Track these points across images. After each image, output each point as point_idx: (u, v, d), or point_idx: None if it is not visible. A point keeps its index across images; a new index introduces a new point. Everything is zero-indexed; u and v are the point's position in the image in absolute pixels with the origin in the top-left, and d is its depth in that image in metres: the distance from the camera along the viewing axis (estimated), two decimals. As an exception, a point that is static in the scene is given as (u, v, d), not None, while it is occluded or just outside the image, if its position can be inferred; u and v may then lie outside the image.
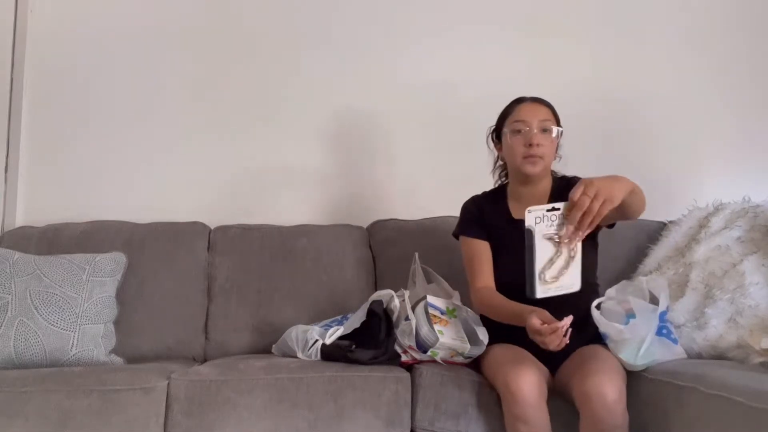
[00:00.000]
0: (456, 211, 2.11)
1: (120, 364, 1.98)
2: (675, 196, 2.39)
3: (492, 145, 1.92)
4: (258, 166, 2.58)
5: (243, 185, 2.56)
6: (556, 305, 1.55)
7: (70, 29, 2.59)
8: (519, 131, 1.76)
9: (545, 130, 1.75)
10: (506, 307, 1.67)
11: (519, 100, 1.83)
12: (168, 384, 1.67)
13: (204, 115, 2.59)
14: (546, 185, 1.83)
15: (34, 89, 2.53)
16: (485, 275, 1.79)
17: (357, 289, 2.24)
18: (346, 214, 2.51)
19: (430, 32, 2.67)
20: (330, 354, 1.80)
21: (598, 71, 2.70)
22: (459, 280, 1.94)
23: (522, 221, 1.43)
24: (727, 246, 1.94)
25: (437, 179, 2.61)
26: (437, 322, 1.74)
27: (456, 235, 1.90)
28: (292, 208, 2.54)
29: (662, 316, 1.72)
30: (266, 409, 1.64)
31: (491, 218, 1.83)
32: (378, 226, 2.43)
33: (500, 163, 1.94)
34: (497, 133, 1.88)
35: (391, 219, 2.44)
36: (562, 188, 1.77)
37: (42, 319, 1.92)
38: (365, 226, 2.46)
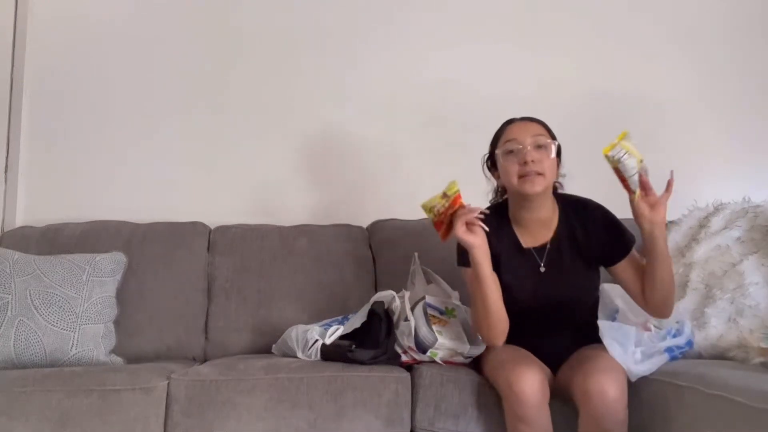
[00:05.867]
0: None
1: (120, 364, 1.98)
2: (675, 196, 2.36)
3: (489, 173, 1.81)
4: (258, 165, 2.58)
5: (243, 185, 2.56)
6: (557, 314, 1.67)
7: (70, 29, 2.59)
8: (511, 151, 1.65)
9: (540, 146, 1.64)
10: (474, 287, 1.64)
11: (509, 122, 1.73)
12: (168, 384, 1.67)
13: (204, 116, 2.59)
14: (551, 211, 1.71)
15: (34, 89, 2.54)
16: None
17: (357, 289, 2.24)
18: (346, 214, 2.51)
19: (431, 35, 2.68)
20: (330, 354, 1.80)
21: (598, 73, 2.70)
22: (458, 280, 1.93)
23: (531, 250, 1.69)
24: (727, 246, 1.94)
25: (437, 179, 2.59)
26: (436, 323, 1.75)
27: (459, 264, 1.75)
28: (292, 208, 2.55)
29: (690, 344, 1.73)
30: (266, 409, 1.64)
31: (498, 245, 1.68)
32: (378, 226, 2.43)
33: (500, 191, 1.84)
34: (492, 160, 1.76)
35: (391, 219, 2.44)
36: (570, 214, 1.70)
37: (42, 319, 1.92)
38: (365, 226, 2.46)
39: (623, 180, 1.53)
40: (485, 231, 1.58)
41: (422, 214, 2.40)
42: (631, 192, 1.53)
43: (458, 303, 1.85)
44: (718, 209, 2.08)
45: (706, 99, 2.72)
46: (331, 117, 2.62)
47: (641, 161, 1.51)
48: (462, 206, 1.59)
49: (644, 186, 1.52)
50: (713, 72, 2.74)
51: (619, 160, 1.50)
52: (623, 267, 1.66)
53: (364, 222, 2.47)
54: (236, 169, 2.57)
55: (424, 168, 2.62)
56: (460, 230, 1.56)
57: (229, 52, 2.62)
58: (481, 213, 1.56)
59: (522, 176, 1.62)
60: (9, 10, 2.52)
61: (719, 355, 1.76)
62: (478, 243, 1.57)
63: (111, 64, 2.58)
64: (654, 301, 1.61)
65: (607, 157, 1.51)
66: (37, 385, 1.64)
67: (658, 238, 1.53)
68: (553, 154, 1.65)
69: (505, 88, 2.63)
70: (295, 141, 2.61)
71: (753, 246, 1.91)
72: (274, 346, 2.04)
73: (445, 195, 1.59)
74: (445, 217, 1.60)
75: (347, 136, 2.62)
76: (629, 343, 1.63)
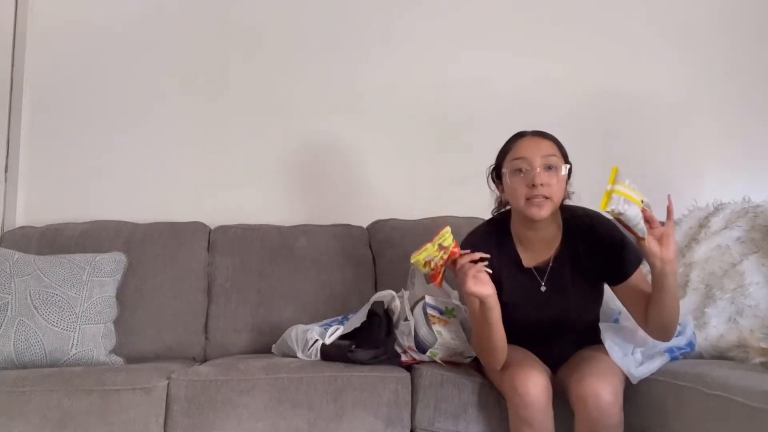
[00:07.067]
0: (456, 211, 2.11)
1: (120, 364, 1.98)
2: (675, 196, 2.35)
3: (493, 185, 1.72)
4: (258, 165, 2.58)
5: (243, 185, 2.56)
6: (557, 329, 1.66)
7: (70, 30, 2.59)
8: (520, 170, 1.56)
9: (550, 168, 1.55)
10: (480, 323, 1.58)
11: (519, 135, 1.63)
12: (168, 384, 1.67)
13: (204, 116, 2.59)
14: (555, 230, 1.64)
15: (33, 90, 2.53)
16: None
17: (357, 289, 2.24)
18: (346, 214, 2.51)
19: (432, 36, 2.68)
20: (330, 354, 1.80)
21: (598, 73, 2.71)
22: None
23: (532, 269, 1.63)
24: (727, 246, 1.94)
25: (437, 179, 2.61)
26: (436, 323, 1.74)
27: None
28: (291, 208, 2.55)
29: (691, 345, 1.72)
30: (266, 409, 1.64)
31: (500, 265, 1.61)
32: (378, 226, 2.43)
33: (503, 202, 1.73)
34: (498, 172, 1.67)
35: (391, 219, 2.44)
36: (575, 231, 1.63)
37: (42, 319, 1.92)
38: (365, 226, 2.46)
39: (628, 228, 1.42)
40: (489, 273, 1.50)
41: (422, 214, 2.44)
42: (639, 239, 1.42)
43: (458, 303, 1.85)
44: (718, 209, 2.08)
45: (707, 99, 2.72)
46: (332, 117, 2.62)
47: (642, 202, 1.39)
48: (461, 255, 1.50)
49: (648, 220, 1.41)
50: (713, 72, 2.74)
51: (620, 213, 1.36)
52: (625, 288, 1.59)
53: (364, 222, 2.47)
54: (236, 169, 2.57)
55: (424, 168, 2.62)
56: (470, 284, 1.46)
57: (230, 53, 2.62)
58: (482, 260, 1.48)
59: (528, 199, 1.54)
60: (9, 10, 2.52)
61: (719, 355, 1.76)
62: (490, 292, 1.49)
63: (111, 65, 2.58)
64: (656, 327, 1.55)
65: (607, 212, 1.38)
66: (37, 385, 1.64)
67: (669, 274, 1.44)
68: (563, 173, 1.57)
69: (506, 89, 2.64)
70: (296, 141, 2.60)
71: (753, 246, 1.90)
72: (274, 346, 2.04)
73: (441, 247, 1.50)
74: (442, 267, 1.54)
75: (348, 135, 2.62)
76: (630, 346, 1.63)
